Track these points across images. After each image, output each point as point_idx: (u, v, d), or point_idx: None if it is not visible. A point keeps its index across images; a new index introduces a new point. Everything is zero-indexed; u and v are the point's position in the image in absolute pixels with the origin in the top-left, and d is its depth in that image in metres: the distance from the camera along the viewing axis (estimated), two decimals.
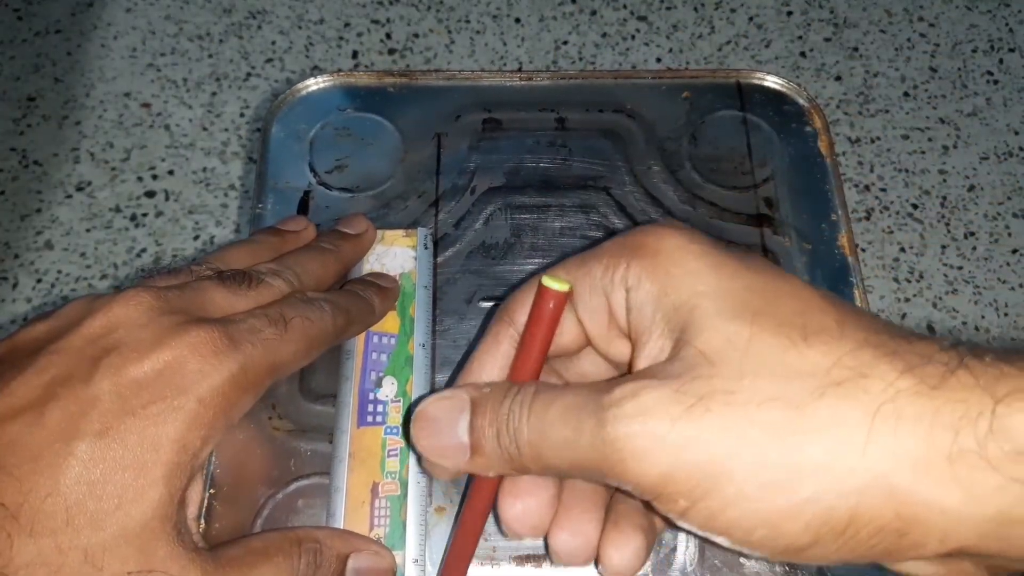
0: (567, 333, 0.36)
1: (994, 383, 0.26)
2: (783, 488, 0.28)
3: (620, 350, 0.36)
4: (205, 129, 1.05)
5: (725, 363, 0.29)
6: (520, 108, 0.55)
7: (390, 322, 0.45)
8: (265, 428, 0.44)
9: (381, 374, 0.44)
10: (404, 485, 0.41)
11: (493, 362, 0.37)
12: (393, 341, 0.45)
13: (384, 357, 0.44)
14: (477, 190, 0.52)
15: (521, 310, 0.37)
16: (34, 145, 1.04)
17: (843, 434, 0.27)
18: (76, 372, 0.33)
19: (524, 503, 0.35)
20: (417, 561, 0.40)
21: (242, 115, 1.06)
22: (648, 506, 0.32)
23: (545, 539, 0.36)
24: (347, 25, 0.98)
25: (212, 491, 0.42)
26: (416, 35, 0.97)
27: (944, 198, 0.93)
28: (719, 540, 0.30)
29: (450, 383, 0.41)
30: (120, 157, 1.04)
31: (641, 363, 0.32)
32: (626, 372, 0.35)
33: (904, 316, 0.88)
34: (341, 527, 0.40)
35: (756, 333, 0.29)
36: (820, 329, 0.29)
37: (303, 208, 0.51)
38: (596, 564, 0.36)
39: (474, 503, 0.36)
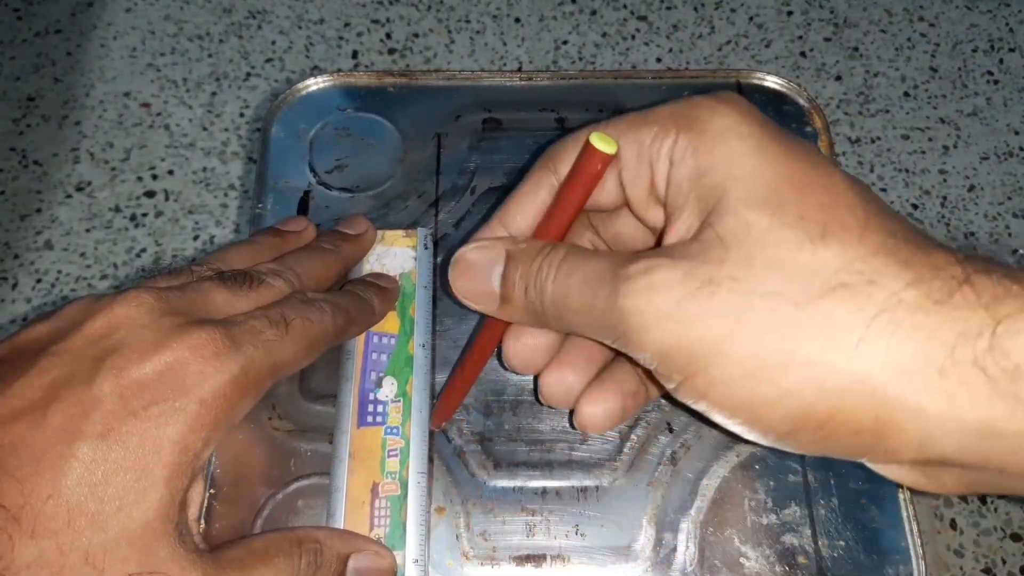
0: (607, 192, 0.37)
1: (998, 302, 0.27)
2: (767, 377, 0.29)
3: (656, 217, 0.37)
4: (205, 129, 1.05)
5: (738, 250, 0.30)
6: (520, 108, 0.55)
7: (390, 322, 0.45)
8: (265, 428, 0.44)
9: (381, 374, 0.44)
10: (404, 485, 0.41)
11: (530, 207, 0.39)
12: (393, 341, 0.45)
13: (384, 357, 0.44)
14: (477, 190, 0.52)
15: (565, 160, 0.37)
16: (34, 145, 1.04)
17: (835, 336, 0.28)
18: (78, 373, 0.33)
19: (526, 343, 0.39)
20: (417, 561, 0.40)
21: (242, 115, 1.06)
22: (649, 375, 0.34)
23: (536, 378, 0.40)
24: (347, 25, 0.98)
25: (212, 491, 0.42)
26: (416, 35, 0.97)
27: (944, 198, 0.93)
28: (710, 416, 0.32)
29: (485, 221, 0.41)
30: (120, 157, 1.04)
31: (670, 238, 0.33)
32: (658, 239, 0.37)
33: None
34: (341, 527, 0.40)
35: (775, 224, 0.30)
36: (840, 228, 0.29)
37: (303, 208, 0.51)
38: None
39: (483, 337, 0.40)
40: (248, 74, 1.06)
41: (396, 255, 0.47)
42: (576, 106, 0.55)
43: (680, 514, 0.42)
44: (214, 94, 1.06)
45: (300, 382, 0.45)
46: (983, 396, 0.26)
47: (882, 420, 0.28)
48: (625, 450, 0.44)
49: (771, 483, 0.43)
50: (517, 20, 0.97)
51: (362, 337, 0.45)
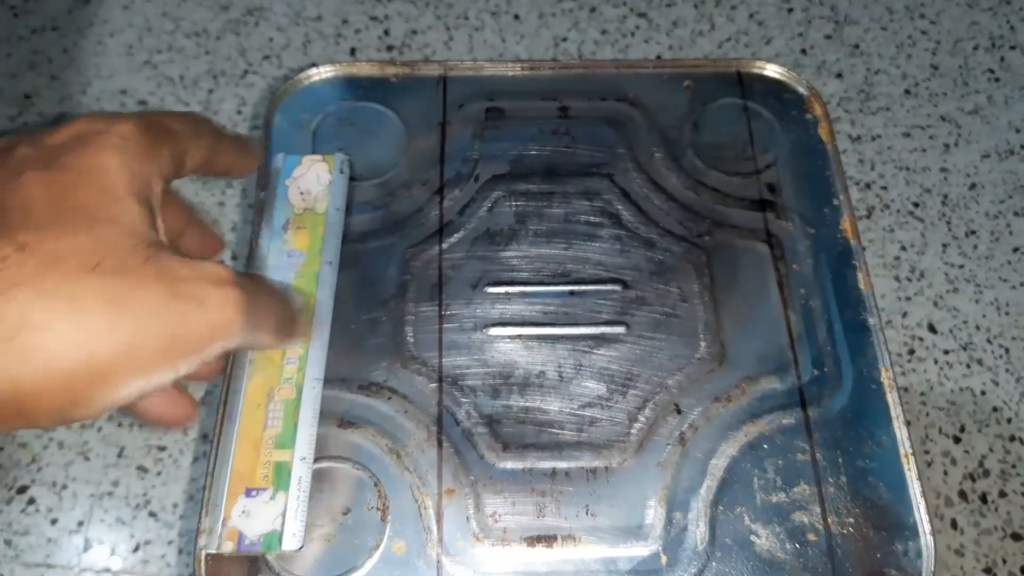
0: None
1: None
2: None
3: None
4: None
5: None
6: (523, 97, 0.55)
7: (301, 240, 0.47)
8: None
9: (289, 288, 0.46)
10: (299, 390, 0.42)
11: None
12: (302, 259, 0.46)
13: (292, 274, 0.46)
14: (481, 178, 0.52)
15: None
16: None
17: None
18: None
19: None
20: (304, 459, 0.41)
21: (239, 112, 1.05)
22: None
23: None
24: (345, 22, 0.98)
25: None
26: (414, 31, 0.96)
27: (945, 196, 0.93)
28: None
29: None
30: None
31: None
32: None
33: (905, 315, 0.88)
34: (237, 426, 0.42)
35: None
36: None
37: None
38: None
39: None
40: (245, 71, 1.06)
41: (312, 178, 0.49)
42: (578, 95, 0.55)
43: (690, 494, 0.42)
44: (211, 91, 1.05)
45: None
46: None
47: None
48: (633, 431, 0.44)
49: (780, 462, 0.43)
50: (516, 17, 0.97)
51: (274, 251, 0.46)
